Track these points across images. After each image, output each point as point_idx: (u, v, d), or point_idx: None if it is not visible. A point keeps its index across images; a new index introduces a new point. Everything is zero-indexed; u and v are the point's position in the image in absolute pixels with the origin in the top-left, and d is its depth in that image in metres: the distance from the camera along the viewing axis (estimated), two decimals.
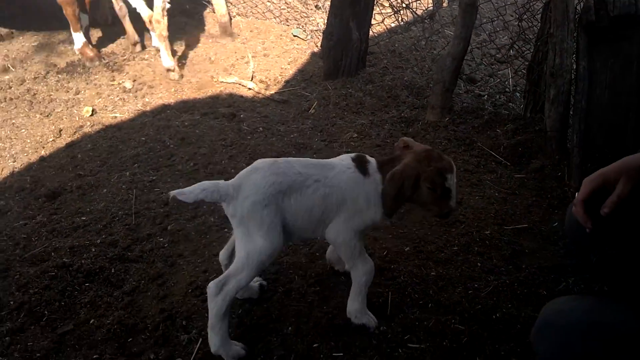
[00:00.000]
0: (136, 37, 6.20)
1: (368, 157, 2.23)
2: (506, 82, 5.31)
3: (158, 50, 5.76)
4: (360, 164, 2.19)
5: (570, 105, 3.62)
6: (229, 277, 2.12)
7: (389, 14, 6.72)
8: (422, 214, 2.96)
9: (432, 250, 2.82)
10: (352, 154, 2.25)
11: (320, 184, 2.14)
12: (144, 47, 6.31)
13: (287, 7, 7.42)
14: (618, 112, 3.27)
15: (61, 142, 4.50)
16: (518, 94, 4.94)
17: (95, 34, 6.50)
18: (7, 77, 5.70)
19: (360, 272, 2.23)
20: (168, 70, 5.59)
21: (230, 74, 5.71)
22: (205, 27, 6.91)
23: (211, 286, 2.13)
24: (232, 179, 2.17)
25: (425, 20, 6.72)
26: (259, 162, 2.19)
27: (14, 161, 4.30)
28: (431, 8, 7.37)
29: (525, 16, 4.79)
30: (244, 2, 7.42)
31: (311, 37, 6.66)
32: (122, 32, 6.42)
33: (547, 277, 2.58)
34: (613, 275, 1.88)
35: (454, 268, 2.68)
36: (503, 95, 5.04)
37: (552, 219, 3.06)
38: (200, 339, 2.33)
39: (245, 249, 2.10)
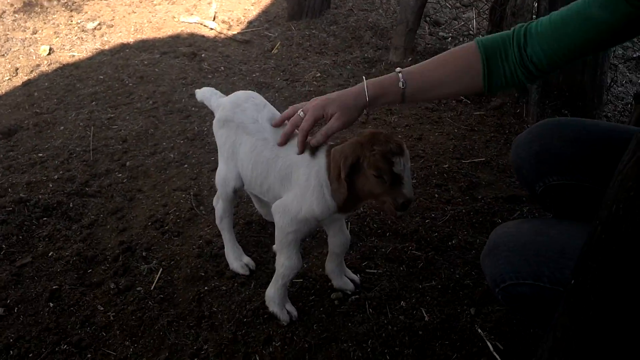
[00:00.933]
0: None
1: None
2: (470, 25, 5.30)
3: None
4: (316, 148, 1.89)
5: None
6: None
7: None
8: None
9: None
10: None
11: (267, 144, 1.95)
12: None
13: None
14: None
15: (17, 81, 4.38)
16: (481, 37, 4.94)
17: None
18: None
19: (280, 263, 1.98)
20: None
21: (192, 14, 5.58)
22: None
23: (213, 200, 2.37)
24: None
25: None
26: (240, 92, 2.20)
27: None
28: None
29: None
30: None
31: None
32: None
33: (502, 207, 2.64)
34: (556, 202, 1.93)
35: None
36: (466, 38, 5.03)
37: (509, 153, 3.10)
38: (161, 269, 2.34)
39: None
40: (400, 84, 1.74)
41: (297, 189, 1.88)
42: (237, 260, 2.30)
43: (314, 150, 1.86)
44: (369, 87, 1.76)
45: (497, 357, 1.84)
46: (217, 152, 2.19)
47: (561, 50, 1.63)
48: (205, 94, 2.34)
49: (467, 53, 1.74)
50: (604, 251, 1.19)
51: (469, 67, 1.73)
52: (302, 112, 1.82)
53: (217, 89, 3.89)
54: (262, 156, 1.96)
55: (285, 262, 1.96)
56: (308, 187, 1.85)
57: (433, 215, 2.60)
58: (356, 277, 2.20)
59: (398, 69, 1.77)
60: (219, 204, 2.27)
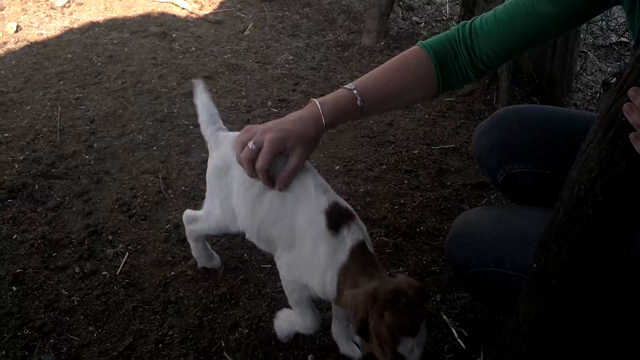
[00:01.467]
0: None
1: (355, 221, 1.59)
2: (442, 10, 5.31)
3: None
4: (336, 217, 1.56)
5: None
6: (197, 219, 2.02)
7: None
8: None
9: (361, 168, 2.86)
10: (339, 202, 1.62)
11: (275, 196, 1.65)
12: None
13: None
14: None
15: None
16: (454, 22, 4.96)
17: None
18: None
19: (297, 319, 1.78)
20: None
21: None
22: None
23: (185, 214, 2.08)
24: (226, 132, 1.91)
25: None
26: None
27: None
28: None
29: None
30: None
31: None
32: None
33: (471, 194, 2.67)
34: (518, 190, 1.96)
35: (382, 185, 2.73)
36: (439, 23, 5.04)
37: None
38: (127, 253, 2.31)
39: (206, 205, 1.96)
40: (359, 102, 1.61)
41: (302, 253, 1.61)
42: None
43: (335, 226, 1.55)
44: (326, 113, 1.58)
45: (462, 343, 1.86)
46: (204, 177, 1.97)
47: (511, 48, 1.65)
48: (203, 111, 1.94)
49: (419, 61, 1.69)
50: (565, 233, 1.20)
51: (423, 76, 1.69)
52: (253, 145, 1.55)
53: (187, 69, 3.90)
54: (252, 191, 1.69)
55: (299, 321, 1.76)
56: (313, 260, 1.57)
57: (402, 201, 2.61)
58: None
59: (351, 85, 1.64)
60: (198, 231, 2.06)
